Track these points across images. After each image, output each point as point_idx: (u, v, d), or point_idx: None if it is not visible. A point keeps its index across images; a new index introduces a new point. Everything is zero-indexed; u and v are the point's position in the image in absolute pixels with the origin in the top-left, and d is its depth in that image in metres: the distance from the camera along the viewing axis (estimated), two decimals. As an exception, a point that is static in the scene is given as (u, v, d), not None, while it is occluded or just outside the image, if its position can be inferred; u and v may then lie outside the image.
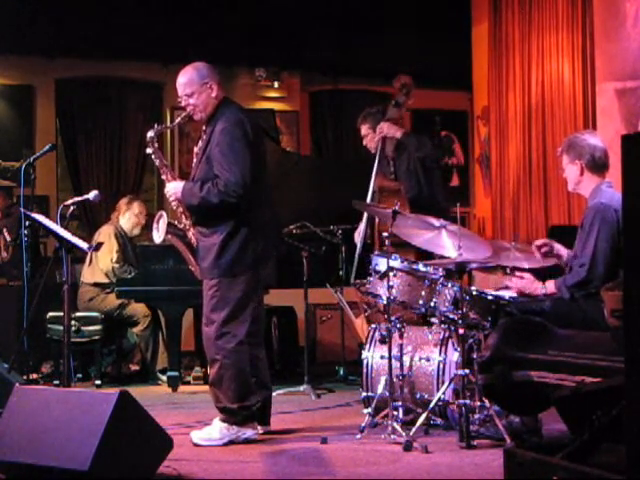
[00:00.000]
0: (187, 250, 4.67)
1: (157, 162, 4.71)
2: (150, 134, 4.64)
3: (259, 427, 4.61)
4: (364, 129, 6.16)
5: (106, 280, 7.10)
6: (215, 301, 4.52)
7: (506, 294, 4.64)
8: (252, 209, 4.52)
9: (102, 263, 7.09)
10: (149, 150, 4.67)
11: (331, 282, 6.70)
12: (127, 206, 7.38)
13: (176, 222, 4.69)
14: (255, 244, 4.53)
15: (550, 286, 4.55)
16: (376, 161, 5.98)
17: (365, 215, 6.01)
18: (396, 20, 9.12)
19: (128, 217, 7.36)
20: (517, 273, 4.71)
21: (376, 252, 5.16)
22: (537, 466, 2.84)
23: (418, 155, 5.92)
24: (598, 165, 4.52)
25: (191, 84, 4.58)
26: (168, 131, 9.83)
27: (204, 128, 4.67)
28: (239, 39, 9.06)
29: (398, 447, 4.26)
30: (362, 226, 6.05)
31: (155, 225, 4.66)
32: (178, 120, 4.80)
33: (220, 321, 4.51)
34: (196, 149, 4.72)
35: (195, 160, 4.69)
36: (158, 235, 4.64)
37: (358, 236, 6.13)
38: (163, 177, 4.72)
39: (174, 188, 4.59)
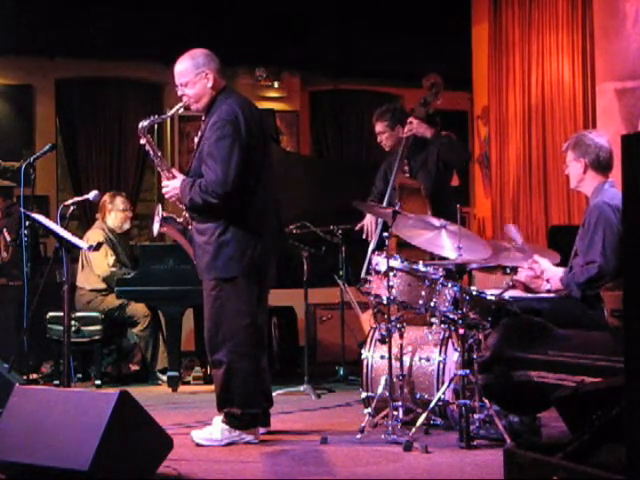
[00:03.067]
0: (188, 244, 4.63)
1: (151, 153, 4.60)
2: (142, 124, 4.52)
3: (260, 428, 4.59)
4: (380, 126, 6.04)
5: (103, 285, 7.08)
6: (219, 303, 4.43)
7: (506, 294, 4.63)
8: (248, 207, 4.41)
9: (100, 270, 7.06)
10: (142, 141, 4.56)
11: (339, 276, 6.68)
12: (111, 204, 7.32)
13: (175, 216, 4.64)
14: (253, 245, 4.41)
15: (556, 283, 4.53)
16: (397, 158, 5.88)
17: None
18: (396, 20, 9.12)
19: (114, 215, 7.30)
20: (520, 269, 4.68)
21: (377, 252, 5.14)
22: (537, 466, 2.84)
23: (446, 157, 5.84)
24: (602, 165, 4.52)
25: (186, 73, 4.46)
26: (168, 131, 9.84)
27: (203, 118, 4.56)
28: (239, 39, 9.06)
29: (398, 447, 4.25)
30: (379, 222, 6.00)
31: (157, 218, 4.62)
32: (173, 110, 4.62)
33: (228, 324, 4.42)
34: (196, 139, 4.63)
35: (193, 151, 4.61)
36: (155, 226, 4.61)
37: (372, 228, 6.05)
38: (158, 169, 4.64)
39: (173, 188, 4.51)
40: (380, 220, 5.97)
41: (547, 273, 4.63)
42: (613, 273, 4.30)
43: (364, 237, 6.10)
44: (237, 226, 4.41)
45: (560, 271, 4.61)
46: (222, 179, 4.30)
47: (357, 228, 6.16)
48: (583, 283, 4.39)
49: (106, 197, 7.36)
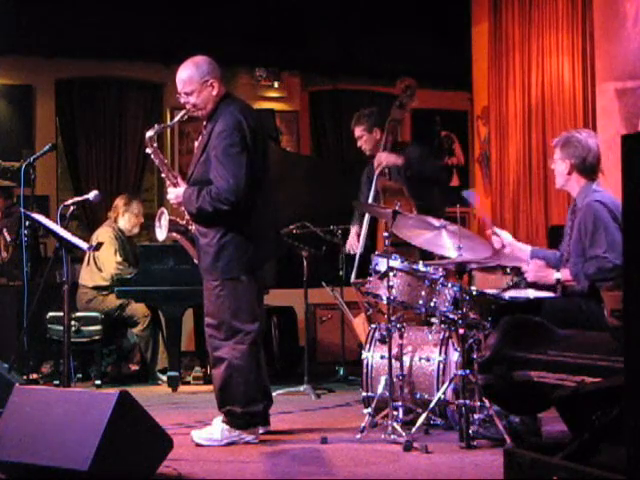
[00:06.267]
0: (191, 245, 4.66)
1: (157, 162, 4.66)
2: (149, 134, 4.59)
3: (260, 427, 4.60)
4: (358, 131, 6.14)
5: (106, 283, 7.08)
6: (220, 301, 4.48)
7: (506, 294, 4.64)
8: (250, 210, 4.48)
9: (107, 267, 7.06)
10: (148, 150, 4.62)
11: (327, 281, 6.71)
12: (126, 207, 7.33)
13: (177, 219, 4.68)
14: (253, 246, 4.49)
15: (565, 273, 4.48)
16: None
17: (367, 215, 6.01)
18: (396, 20, 9.12)
19: (128, 218, 7.33)
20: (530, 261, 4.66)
21: (376, 252, 5.16)
22: (537, 466, 2.84)
23: (420, 177, 5.86)
24: (587, 169, 4.51)
25: (191, 82, 4.50)
26: (168, 131, 9.83)
27: (204, 124, 4.60)
28: (239, 39, 9.06)
29: (398, 447, 4.26)
30: (364, 225, 6.06)
31: (157, 223, 4.65)
32: (177, 118, 4.68)
33: (229, 321, 4.47)
34: (196, 143, 4.67)
35: (194, 157, 4.65)
36: (161, 232, 4.63)
37: (355, 242, 6.15)
38: (163, 176, 4.69)
39: (176, 196, 4.56)
40: (365, 225, 6.03)
41: (512, 246, 4.65)
42: (621, 267, 4.27)
43: (347, 252, 6.20)
44: (238, 228, 4.48)
45: (526, 248, 4.65)
46: (233, 186, 4.36)
47: (347, 250, 6.25)
48: (594, 273, 4.34)
49: (122, 199, 7.42)
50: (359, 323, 6.32)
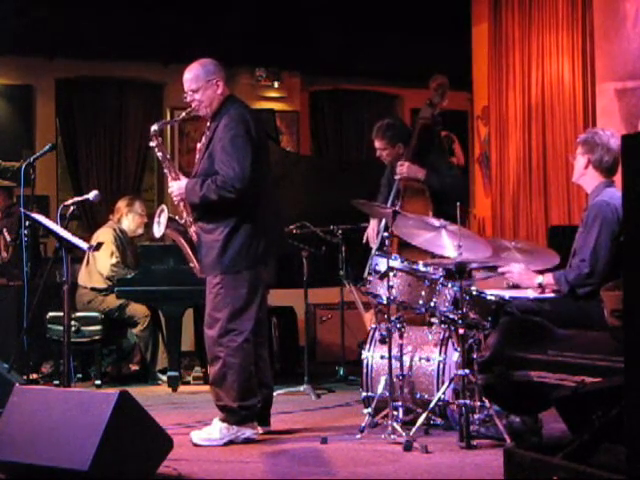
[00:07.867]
0: (187, 246, 4.68)
1: (160, 156, 4.73)
2: (154, 127, 4.68)
3: (259, 427, 4.62)
4: (381, 144, 5.89)
5: (103, 285, 7.07)
6: (219, 298, 4.54)
7: (506, 294, 4.64)
8: (254, 206, 4.54)
9: (102, 268, 7.06)
10: (152, 143, 4.70)
11: (343, 276, 6.68)
12: (129, 207, 7.32)
13: (177, 217, 4.70)
14: (257, 241, 4.55)
15: (548, 278, 4.55)
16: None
17: None
18: (396, 20, 9.12)
19: (132, 218, 7.31)
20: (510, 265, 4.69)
21: (377, 252, 5.15)
22: (537, 466, 2.84)
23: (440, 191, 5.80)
24: (603, 167, 4.56)
25: (197, 80, 4.61)
26: (168, 131, 9.84)
27: (208, 124, 4.69)
28: (239, 39, 9.06)
29: (398, 447, 4.26)
30: (382, 224, 6.01)
31: (157, 219, 4.68)
32: (183, 115, 4.77)
33: (225, 319, 4.52)
34: (199, 145, 4.74)
35: (198, 156, 4.70)
36: (158, 229, 4.65)
37: (373, 235, 6.07)
38: (165, 171, 4.73)
39: (178, 188, 4.61)
40: (383, 222, 5.97)
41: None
42: (601, 274, 4.35)
43: (369, 245, 6.11)
44: (244, 224, 4.53)
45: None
46: (240, 174, 4.43)
47: (364, 241, 6.16)
48: (573, 279, 4.43)
49: (124, 200, 7.40)
50: (369, 318, 6.31)
